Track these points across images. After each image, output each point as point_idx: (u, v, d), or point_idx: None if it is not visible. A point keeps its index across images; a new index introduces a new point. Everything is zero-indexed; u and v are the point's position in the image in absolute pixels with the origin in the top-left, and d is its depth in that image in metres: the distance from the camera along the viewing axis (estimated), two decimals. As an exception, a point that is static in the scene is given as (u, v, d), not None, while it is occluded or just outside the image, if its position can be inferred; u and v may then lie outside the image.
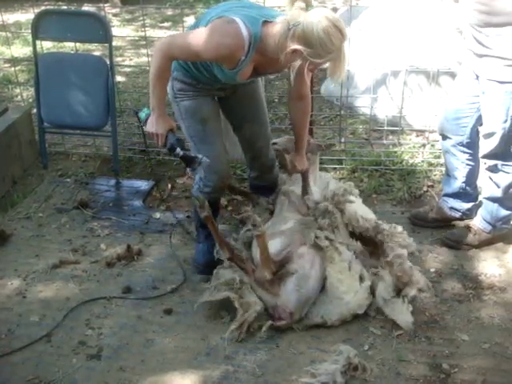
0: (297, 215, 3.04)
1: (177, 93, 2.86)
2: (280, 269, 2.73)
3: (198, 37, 2.48)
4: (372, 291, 2.77)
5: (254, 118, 3.08)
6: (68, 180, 4.09)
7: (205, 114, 2.88)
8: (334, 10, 6.25)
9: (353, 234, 3.00)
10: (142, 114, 2.79)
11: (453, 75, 4.11)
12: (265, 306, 2.71)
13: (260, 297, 2.71)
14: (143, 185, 4.03)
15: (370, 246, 2.98)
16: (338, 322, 2.70)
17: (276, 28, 2.41)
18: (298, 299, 2.66)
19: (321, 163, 4.11)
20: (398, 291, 2.79)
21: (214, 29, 2.46)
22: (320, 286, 2.74)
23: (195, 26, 2.68)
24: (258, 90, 3.06)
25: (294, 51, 2.35)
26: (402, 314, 2.71)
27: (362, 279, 2.77)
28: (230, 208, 3.67)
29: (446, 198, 3.39)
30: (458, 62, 4.08)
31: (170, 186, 3.98)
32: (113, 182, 4.10)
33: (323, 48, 2.30)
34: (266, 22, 2.47)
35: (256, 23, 2.44)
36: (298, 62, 2.42)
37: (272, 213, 3.22)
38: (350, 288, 2.72)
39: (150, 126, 2.72)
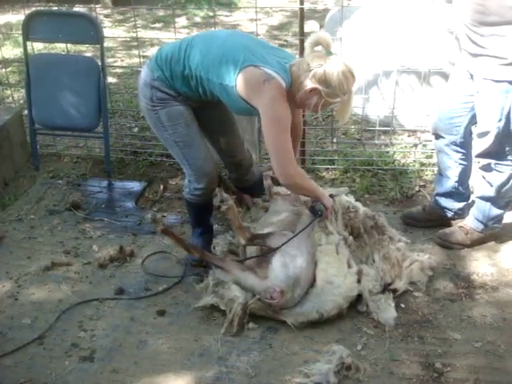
0: (290, 207, 3.11)
1: (156, 101, 2.85)
2: (258, 238, 2.86)
3: (275, 124, 2.64)
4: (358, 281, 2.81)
5: (224, 121, 3.13)
6: (60, 181, 4.08)
7: (187, 118, 2.90)
8: (326, 10, 6.26)
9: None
10: (321, 207, 2.88)
11: (444, 75, 4.13)
12: (254, 293, 2.71)
13: (250, 286, 2.73)
14: (135, 186, 4.02)
15: (360, 239, 3.05)
16: (334, 311, 2.70)
17: (296, 70, 2.64)
18: (286, 276, 2.67)
19: (313, 164, 4.13)
20: (386, 286, 2.84)
21: (271, 104, 2.60)
22: (310, 269, 2.75)
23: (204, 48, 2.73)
24: None
25: (313, 90, 2.59)
26: (385, 311, 2.74)
27: (349, 265, 2.80)
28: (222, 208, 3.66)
29: (438, 198, 3.40)
30: (449, 62, 4.10)
31: (162, 186, 3.97)
32: (105, 183, 4.09)
33: (340, 89, 2.57)
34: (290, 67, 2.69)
35: (286, 72, 2.65)
36: (312, 101, 2.63)
37: (267, 210, 3.26)
38: (339, 271, 2.74)
39: (329, 202, 2.91)
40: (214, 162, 3.09)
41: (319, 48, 2.66)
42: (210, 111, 3.02)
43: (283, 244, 2.71)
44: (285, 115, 2.64)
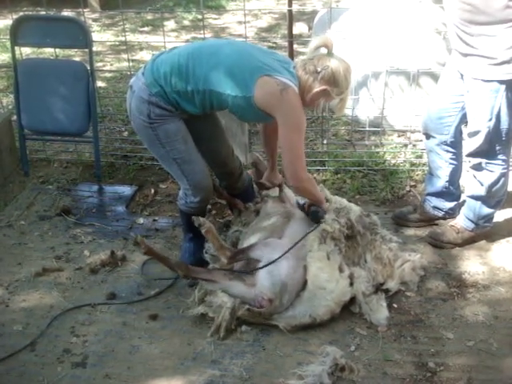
0: (281, 208, 3.11)
1: (154, 118, 2.78)
2: (239, 254, 2.85)
3: (294, 131, 2.69)
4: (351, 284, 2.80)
5: (213, 132, 3.13)
6: (50, 187, 4.06)
7: (184, 133, 2.87)
8: (314, 12, 6.27)
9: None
10: (323, 214, 2.95)
11: (433, 75, 4.15)
12: (243, 300, 2.71)
13: (238, 294, 2.72)
14: (126, 190, 4.01)
15: (353, 240, 3.03)
16: (326, 316, 2.70)
17: (302, 73, 2.71)
18: (272, 284, 2.67)
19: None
20: (378, 286, 2.84)
21: (291, 113, 2.66)
22: (298, 274, 2.75)
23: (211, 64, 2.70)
24: None
25: (322, 91, 2.69)
26: (378, 311, 2.75)
27: (341, 270, 2.79)
28: (213, 211, 3.66)
29: (428, 198, 3.41)
30: (437, 63, 4.11)
31: (152, 190, 3.96)
32: (95, 187, 4.07)
33: (345, 86, 2.71)
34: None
35: (294, 76, 2.70)
36: (321, 100, 2.74)
37: (259, 213, 3.25)
38: (331, 276, 2.73)
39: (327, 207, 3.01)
40: (210, 174, 3.09)
41: (321, 49, 2.74)
42: (199, 123, 2.99)
43: (283, 254, 2.71)
44: (303, 122, 2.72)
